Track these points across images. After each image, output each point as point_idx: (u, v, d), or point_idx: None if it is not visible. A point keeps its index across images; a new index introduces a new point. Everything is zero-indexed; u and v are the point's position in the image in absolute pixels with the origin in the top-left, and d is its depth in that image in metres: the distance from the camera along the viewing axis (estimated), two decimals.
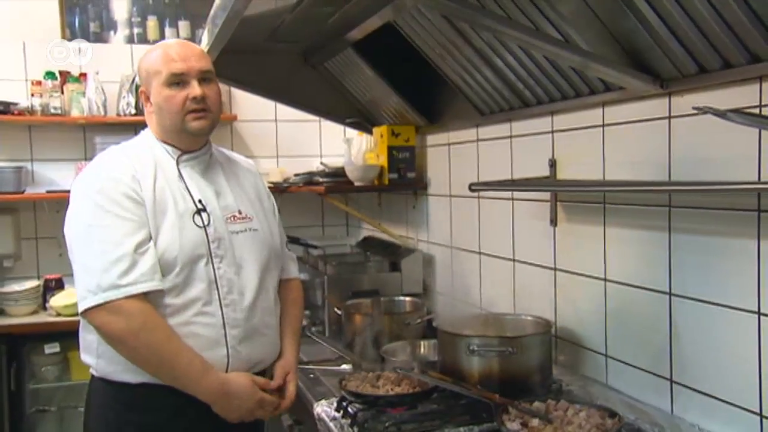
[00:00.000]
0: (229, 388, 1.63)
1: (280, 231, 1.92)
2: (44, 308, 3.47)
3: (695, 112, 1.24)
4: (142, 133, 1.78)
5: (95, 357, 1.66)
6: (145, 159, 1.69)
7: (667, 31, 1.46)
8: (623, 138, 1.80)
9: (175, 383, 1.61)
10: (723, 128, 1.42)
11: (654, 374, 1.73)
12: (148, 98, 1.72)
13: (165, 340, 1.58)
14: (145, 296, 1.57)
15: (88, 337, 1.69)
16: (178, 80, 1.66)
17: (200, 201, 1.69)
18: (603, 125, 1.86)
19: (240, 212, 1.76)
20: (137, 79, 1.78)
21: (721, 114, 1.02)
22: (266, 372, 1.82)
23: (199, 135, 1.72)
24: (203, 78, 1.68)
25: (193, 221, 1.66)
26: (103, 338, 1.59)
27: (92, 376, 1.72)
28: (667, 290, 1.67)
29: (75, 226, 1.63)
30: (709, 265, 1.55)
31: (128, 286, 1.54)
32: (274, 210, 1.92)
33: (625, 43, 1.62)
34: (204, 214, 1.68)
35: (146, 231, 1.60)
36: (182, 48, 1.70)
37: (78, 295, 1.59)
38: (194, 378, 1.60)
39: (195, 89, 1.66)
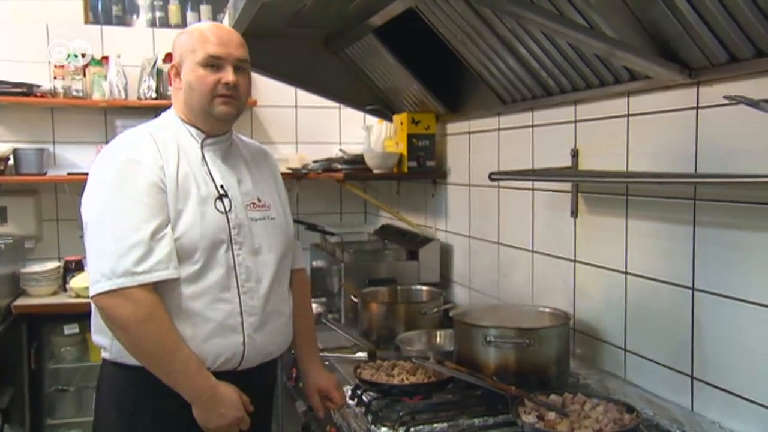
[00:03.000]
0: (218, 391, 1.59)
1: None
2: (64, 289, 3.51)
3: (724, 102, 1.21)
4: (165, 113, 1.77)
5: (110, 339, 1.64)
6: (168, 141, 1.67)
7: (698, 18, 1.42)
8: (648, 129, 1.76)
9: (168, 377, 1.57)
10: (753, 120, 1.38)
11: (674, 370, 1.70)
12: (178, 74, 1.70)
13: (167, 333, 1.56)
14: (155, 286, 1.55)
15: (102, 319, 1.67)
16: (213, 62, 1.64)
17: (222, 186, 1.68)
18: (627, 115, 1.82)
19: (259, 200, 1.76)
20: (173, 56, 1.72)
21: (754, 104, 0.99)
22: (277, 360, 1.82)
23: (224, 120, 1.70)
24: (238, 66, 1.67)
25: (215, 207, 1.65)
26: (106, 322, 1.57)
27: (104, 360, 1.70)
28: (690, 285, 1.64)
29: (92, 208, 1.61)
30: (735, 260, 1.52)
31: (143, 274, 1.52)
32: (287, 199, 1.91)
33: (653, 30, 1.57)
34: (226, 200, 1.67)
35: (163, 217, 1.58)
36: (224, 33, 1.69)
37: (90, 277, 1.57)
38: (190, 374, 1.57)
39: (229, 75, 1.65)
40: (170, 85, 1.76)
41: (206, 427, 1.60)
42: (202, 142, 1.71)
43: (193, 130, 1.71)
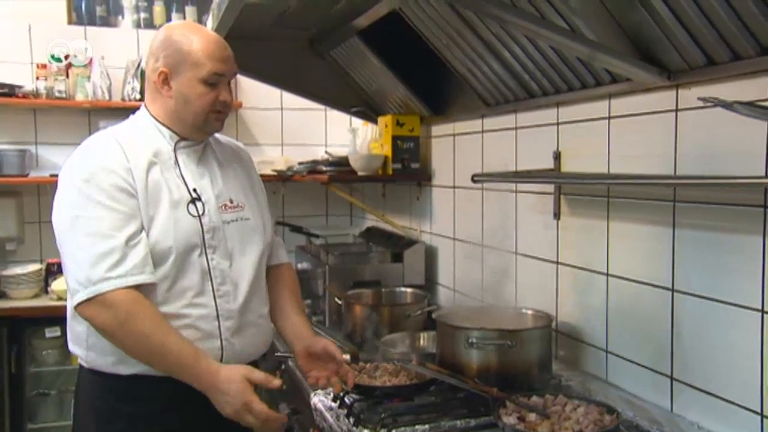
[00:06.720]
0: (216, 380, 1.52)
1: (271, 217, 1.89)
2: (46, 292, 3.48)
3: (703, 105, 1.22)
4: (137, 114, 1.73)
5: (85, 349, 1.63)
6: (138, 145, 1.63)
7: (676, 22, 1.43)
8: (629, 131, 1.77)
9: (170, 372, 1.55)
10: (730, 122, 1.40)
11: (655, 371, 1.71)
12: (167, 81, 1.64)
13: (151, 328, 1.52)
14: (134, 287, 1.52)
15: (77, 328, 1.65)
16: (215, 80, 1.63)
17: (195, 190, 1.65)
18: (609, 117, 1.84)
19: (231, 201, 1.73)
20: (160, 58, 1.65)
21: (727, 105, 1.00)
22: (258, 363, 1.79)
23: (212, 133, 1.72)
24: (229, 81, 1.69)
25: (188, 210, 1.62)
26: (96, 330, 1.55)
27: (81, 366, 1.68)
28: (670, 286, 1.65)
29: (63, 216, 1.57)
30: (713, 262, 1.53)
31: (118, 279, 1.50)
32: (265, 197, 1.89)
33: (633, 34, 1.59)
34: (199, 204, 1.64)
35: (138, 222, 1.55)
36: (223, 48, 1.66)
37: (69, 288, 1.55)
38: (186, 366, 1.53)
39: (226, 94, 1.66)
40: (157, 89, 1.66)
41: (223, 414, 1.53)
42: (175, 144, 1.68)
43: (167, 132, 1.68)
